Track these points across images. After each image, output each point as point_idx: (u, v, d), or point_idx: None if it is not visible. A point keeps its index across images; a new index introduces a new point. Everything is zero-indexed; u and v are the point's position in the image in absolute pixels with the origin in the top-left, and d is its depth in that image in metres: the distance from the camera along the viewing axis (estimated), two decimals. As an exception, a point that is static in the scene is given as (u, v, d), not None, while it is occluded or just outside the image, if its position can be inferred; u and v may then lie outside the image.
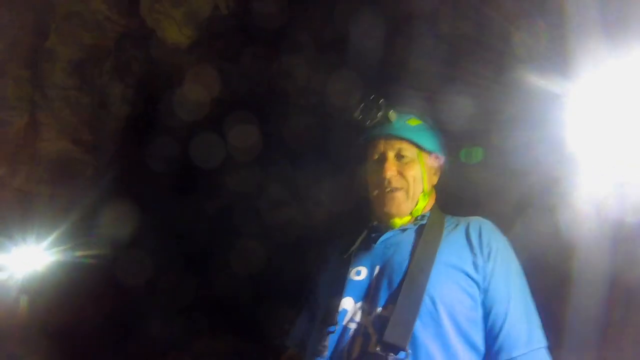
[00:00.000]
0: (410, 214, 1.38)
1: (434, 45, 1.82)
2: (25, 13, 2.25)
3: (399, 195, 1.35)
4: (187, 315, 3.38)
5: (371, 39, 2.07)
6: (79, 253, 2.40)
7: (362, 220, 1.48)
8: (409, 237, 1.33)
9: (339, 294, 1.26)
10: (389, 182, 1.35)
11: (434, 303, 1.14)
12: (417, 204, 1.38)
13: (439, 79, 1.83)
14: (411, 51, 1.90)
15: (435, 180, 1.47)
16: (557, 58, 1.27)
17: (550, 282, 1.36)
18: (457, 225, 1.34)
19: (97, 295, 2.64)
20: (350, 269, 1.32)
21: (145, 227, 2.81)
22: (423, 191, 1.39)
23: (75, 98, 2.42)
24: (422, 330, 1.11)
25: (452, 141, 1.58)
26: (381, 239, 1.36)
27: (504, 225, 1.54)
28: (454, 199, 1.53)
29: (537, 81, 1.36)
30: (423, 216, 1.38)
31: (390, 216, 1.37)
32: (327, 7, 2.25)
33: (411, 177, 1.36)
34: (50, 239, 2.28)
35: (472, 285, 1.18)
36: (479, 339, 1.14)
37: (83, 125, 2.49)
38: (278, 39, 2.48)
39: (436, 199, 1.48)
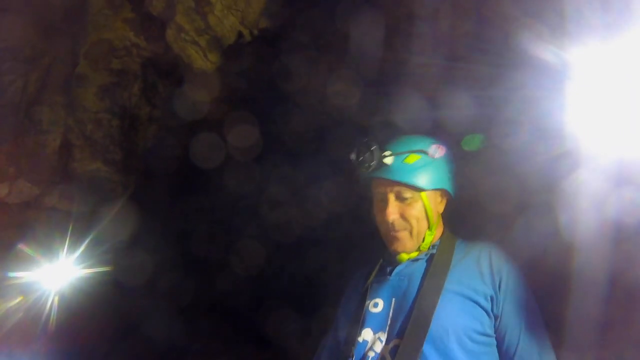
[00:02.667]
0: (418, 249, 1.43)
1: (434, 45, 1.82)
2: (60, 42, 2.38)
3: (403, 235, 1.40)
4: (188, 316, 3.38)
5: (371, 38, 2.07)
6: (102, 267, 2.55)
7: (370, 237, 1.57)
8: (421, 267, 1.40)
9: (358, 326, 1.36)
10: (393, 226, 1.39)
11: (444, 329, 1.22)
12: (423, 240, 1.42)
13: (438, 79, 1.83)
14: (411, 51, 1.90)
15: (441, 208, 1.48)
16: (557, 58, 1.27)
17: (550, 282, 1.36)
18: (467, 252, 1.40)
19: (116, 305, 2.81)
20: (368, 301, 1.41)
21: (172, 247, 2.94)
22: (429, 227, 1.42)
23: (107, 120, 2.57)
24: (433, 355, 1.20)
25: (452, 141, 1.58)
26: (395, 270, 1.43)
27: (504, 225, 1.54)
28: (454, 199, 1.54)
29: (537, 81, 1.36)
30: (434, 246, 1.44)
31: (397, 254, 1.43)
32: (327, 7, 2.25)
33: (414, 218, 1.39)
34: (80, 253, 2.44)
35: (483, 313, 1.26)
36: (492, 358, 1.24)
37: (114, 146, 2.64)
38: (278, 39, 2.48)
39: (446, 224, 1.52)
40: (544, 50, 1.30)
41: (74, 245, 2.40)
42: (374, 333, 1.32)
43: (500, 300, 1.26)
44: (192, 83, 2.63)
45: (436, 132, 1.65)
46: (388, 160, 1.40)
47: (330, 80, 2.45)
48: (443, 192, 1.46)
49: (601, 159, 1.22)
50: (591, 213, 1.24)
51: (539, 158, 1.45)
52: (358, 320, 1.38)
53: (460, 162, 1.58)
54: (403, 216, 1.39)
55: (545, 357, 1.24)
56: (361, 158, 1.42)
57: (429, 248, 1.44)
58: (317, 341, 1.63)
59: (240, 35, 2.38)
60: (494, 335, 1.26)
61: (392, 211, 1.38)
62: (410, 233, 1.40)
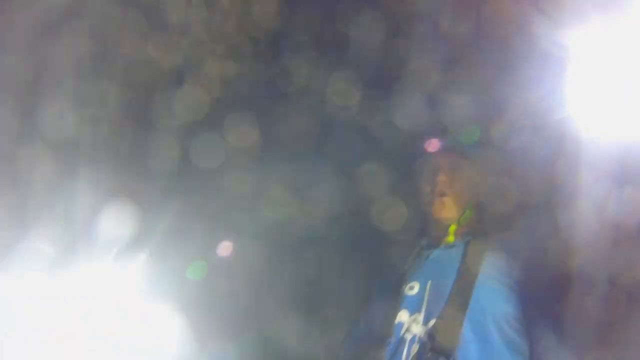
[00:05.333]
0: (458, 221, 1.49)
1: (434, 45, 1.82)
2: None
3: (447, 200, 1.50)
4: (188, 315, 3.38)
5: (371, 38, 2.07)
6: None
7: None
8: (457, 253, 1.44)
9: (395, 308, 1.40)
10: (439, 186, 1.50)
11: (482, 311, 1.27)
12: (464, 213, 1.51)
13: (439, 79, 1.83)
14: (411, 51, 1.91)
15: (479, 196, 1.56)
16: (557, 58, 1.27)
17: (550, 282, 1.36)
18: (499, 243, 1.45)
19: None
20: (404, 285, 1.45)
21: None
22: (469, 201, 1.52)
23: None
24: (471, 335, 1.23)
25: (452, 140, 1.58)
26: (431, 256, 1.49)
27: (504, 225, 1.54)
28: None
29: (537, 81, 1.36)
30: (469, 233, 1.50)
31: (441, 220, 1.50)
32: (327, 7, 2.25)
33: (459, 185, 1.52)
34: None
35: (517, 298, 1.31)
36: (524, 346, 1.26)
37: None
38: (278, 39, 2.49)
39: (480, 220, 1.57)
40: (544, 50, 1.30)
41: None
42: (410, 314, 1.36)
43: (525, 292, 1.30)
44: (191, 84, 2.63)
45: (436, 132, 1.65)
46: (451, 134, 1.59)
47: (330, 80, 2.45)
48: (487, 177, 1.55)
49: (601, 159, 1.22)
50: (591, 213, 1.24)
51: (539, 158, 1.46)
52: (395, 303, 1.42)
53: (460, 161, 1.60)
54: (451, 180, 1.50)
55: None
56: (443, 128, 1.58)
57: (464, 235, 1.48)
58: (317, 341, 1.64)
59: (239, 42, 2.42)
60: (525, 324, 1.29)
61: (442, 173, 1.51)
62: (454, 200, 1.49)
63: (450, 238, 1.48)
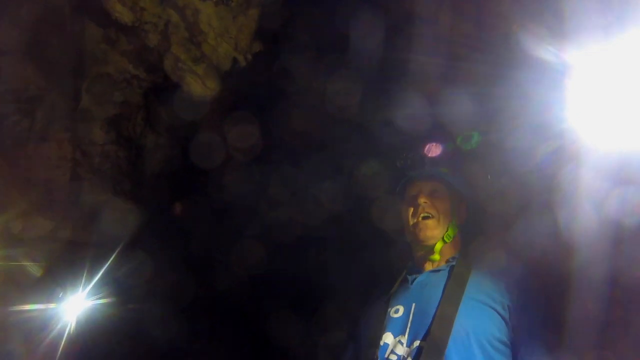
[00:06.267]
0: (443, 239, 1.52)
1: (434, 45, 1.82)
2: (60, 78, 2.46)
3: (431, 222, 1.53)
4: (187, 316, 3.38)
5: (371, 38, 2.07)
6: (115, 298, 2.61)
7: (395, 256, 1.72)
8: (442, 277, 1.48)
9: (380, 330, 1.45)
10: (422, 208, 1.54)
11: (466, 333, 1.29)
12: (447, 230, 1.54)
13: (438, 79, 1.83)
14: (411, 51, 1.91)
15: (462, 219, 1.63)
16: (557, 58, 1.27)
17: (550, 282, 1.36)
18: (485, 263, 1.48)
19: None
20: (389, 308, 1.51)
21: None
22: (452, 222, 1.56)
23: (114, 152, 2.66)
24: (455, 357, 1.26)
25: (452, 141, 1.58)
26: (417, 280, 1.53)
27: (504, 225, 1.54)
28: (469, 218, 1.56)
29: (537, 81, 1.36)
30: (454, 258, 1.53)
31: (425, 241, 1.53)
32: (327, 7, 2.25)
33: (441, 207, 1.56)
34: (95, 283, 2.49)
35: (501, 321, 1.32)
36: None
37: (122, 176, 2.72)
38: (278, 39, 2.49)
39: (463, 242, 1.61)
40: (544, 50, 1.30)
41: (89, 276, 2.48)
42: (395, 336, 1.40)
43: (516, 312, 1.32)
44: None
45: (436, 132, 1.66)
46: (428, 164, 1.65)
47: (330, 80, 2.45)
48: (466, 207, 1.63)
49: (601, 158, 1.22)
50: (591, 213, 1.24)
51: (539, 158, 1.46)
52: (380, 326, 1.46)
53: (460, 162, 1.61)
54: (432, 202, 1.56)
55: None
56: (408, 159, 1.66)
57: (449, 260, 1.52)
58: (317, 341, 1.65)
59: (235, 60, 2.48)
60: (510, 348, 1.31)
61: (424, 196, 1.56)
62: (438, 221, 1.53)
63: (436, 256, 1.53)
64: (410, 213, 1.58)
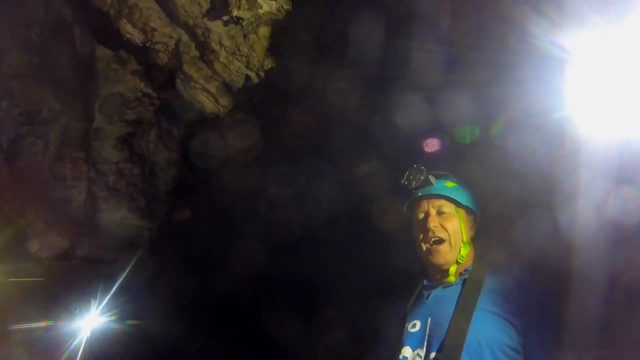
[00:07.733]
0: (456, 261, 1.55)
1: (434, 46, 1.82)
2: (73, 99, 2.50)
3: (443, 247, 1.54)
4: (188, 315, 3.38)
5: (371, 38, 2.07)
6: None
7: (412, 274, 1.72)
8: (455, 291, 1.52)
9: (399, 345, 1.51)
10: (433, 233, 1.54)
11: (478, 343, 1.35)
12: (460, 252, 1.55)
13: (438, 79, 1.83)
14: (411, 51, 1.91)
15: (472, 233, 1.64)
16: (557, 58, 1.27)
17: (550, 282, 1.36)
18: (497, 275, 1.51)
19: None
20: (407, 323, 1.56)
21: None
22: (463, 241, 1.56)
23: (128, 170, 2.72)
24: None
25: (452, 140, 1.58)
26: (431, 295, 1.58)
27: (504, 225, 1.54)
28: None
29: (537, 81, 1.36)
30: (466, 271, 1.56)
31: (439, 266, 1.55)
32: (327, 7, 2.25)
33: (451, 229, 1.55)
34: (109, 301, 2.54)
35: (513, 330, 1.37)
36: None
37: (137, 193, 2.78)
38: (279, 39, 2.49)
39: (476, 253, 1.63)
40: (544, 51, 1.30)
41: (104, 293, 2.52)
42: (413, 350, 1.47)
43: (526, 319, 1.36)
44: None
45: (436, 131, 1.65)
46: (432, 180, 1.63)
47: (330, 80, 2.45)
48: (475, 218, 1.64)
49: (601, 159, 1.22)
50: (591, 213, 1.24)
51: (539, 158, 1.46)
52: (399, 341, 1.53)
53: (460, 160, 1.61)
54: (442, 225, 1.55)
55: None
56: (412, 177, 1.64)
57: (462, 273, 1.55)
58: (317, 341, 1.66)
59: (247, 77, 2.51)
60: (522, 354, 1.35)
61: (433, 220, 1.56)
62: (449, 244, 1.54)
63: (452, 278, 1.55)
64: (421, 237, 1.59)
